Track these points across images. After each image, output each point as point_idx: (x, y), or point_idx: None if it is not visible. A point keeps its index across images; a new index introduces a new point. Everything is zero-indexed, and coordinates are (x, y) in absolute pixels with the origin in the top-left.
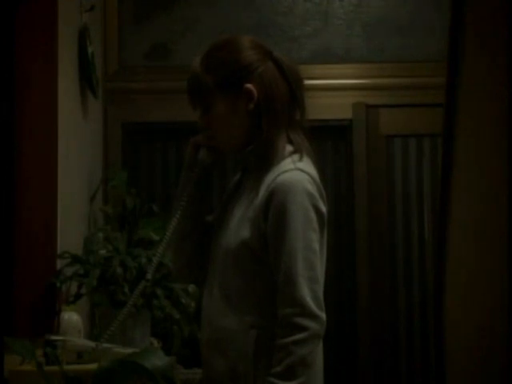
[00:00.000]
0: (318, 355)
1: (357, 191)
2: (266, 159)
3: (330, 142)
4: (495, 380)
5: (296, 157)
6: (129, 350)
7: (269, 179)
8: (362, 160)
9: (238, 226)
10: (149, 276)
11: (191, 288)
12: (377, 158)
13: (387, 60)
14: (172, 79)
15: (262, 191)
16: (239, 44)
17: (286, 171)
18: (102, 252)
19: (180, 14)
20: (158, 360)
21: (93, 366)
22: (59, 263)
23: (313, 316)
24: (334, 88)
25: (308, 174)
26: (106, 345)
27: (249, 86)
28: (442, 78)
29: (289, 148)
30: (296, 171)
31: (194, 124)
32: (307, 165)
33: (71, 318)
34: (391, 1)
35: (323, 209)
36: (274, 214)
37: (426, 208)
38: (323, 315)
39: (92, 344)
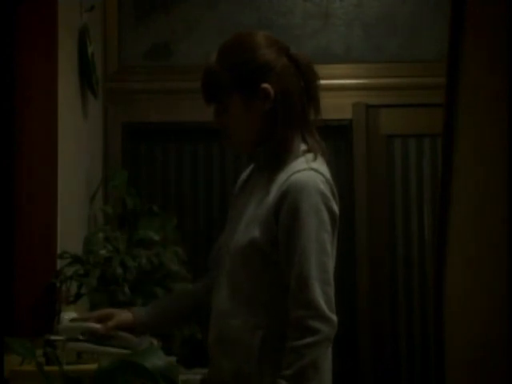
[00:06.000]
0: (327, 357)
1: (357, 191)
2: (279, 158)
3: (330, 141)
4: (495, 380)
5: (310, 156)
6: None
7: (281, 179)
8: (362, 160)
9: (248, 226)
10: None
11: None
12: (377, 158)
13: (387, 60)
14: (172, 79)
15: (274, 190)
16: (256, 42)
17: (299, 171)
18: (102, 252)
19: (180, 14)
20: (158, 360)
21: (93, 366)
22: (59, 263)
23: (325, 319)
24: (334, 88)
25: (321, 174)
26: (108, 348)
27: (266, 85)
28: (441, 78)
29: (302, 147)
30: (309, 171)
31: (194, 124)
32: (320, 164)
33: (71, 317)
34: (391, 1)
35: (336, 209)
36: (287, 214)
37: (426, 208)
38: (335, 318)
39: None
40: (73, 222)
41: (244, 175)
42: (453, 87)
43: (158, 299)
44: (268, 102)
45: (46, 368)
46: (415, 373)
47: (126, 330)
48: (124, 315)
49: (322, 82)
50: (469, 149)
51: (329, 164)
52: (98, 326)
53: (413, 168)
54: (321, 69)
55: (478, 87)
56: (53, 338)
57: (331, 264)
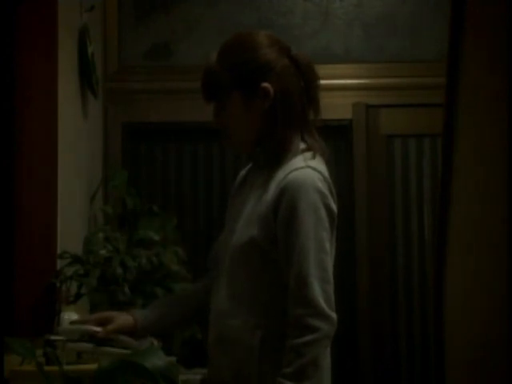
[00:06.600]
0: (326, 355)
1: (357, 191)
2: (278, 157)
3: (330, 141)
4: (495, 380)
5: (308, 155)
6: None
7: (280, 176)
8: (362, 160)
9: (246, 224)
10: None
11: None
12: (377, 158)
13: (387, 60)
14: (172, 79)
15: (273, 188)
16: (256, 41)
17: (297, 169)
18: (102, 252)
19: (180, 14)
20: (158, 360)
21: (93, 366)
22: (59, 263)
23: (325, 316)
24: (333, 88)
25: (319, 172)
26: (108, 348)
27: (266, 85)
28: (441, 78)
29: (301, 146)
30: (307, 169)
31: (194, 124)
32: (319, 163)
33: (71, 318)
34: (391, 1)
35: (334, 207)
36: (285, 211)
37: (426, 208)
38: (334, 315)
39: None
40: (73, 221)
41: (242, 174)
42: (453, 87)
43: (157, 300)
44: (267, 100)
45: (46, 368)
46: (415, 373)
47: (125, 334)
48: (124, 318)
49: (322, 82)
50: (469, 149)
51: (329, 164)
52: (97, 329)
53: (413, 168)
54: (321, 69)
55: (478, 87)
56: (53, 338)
57: (330, 262)
